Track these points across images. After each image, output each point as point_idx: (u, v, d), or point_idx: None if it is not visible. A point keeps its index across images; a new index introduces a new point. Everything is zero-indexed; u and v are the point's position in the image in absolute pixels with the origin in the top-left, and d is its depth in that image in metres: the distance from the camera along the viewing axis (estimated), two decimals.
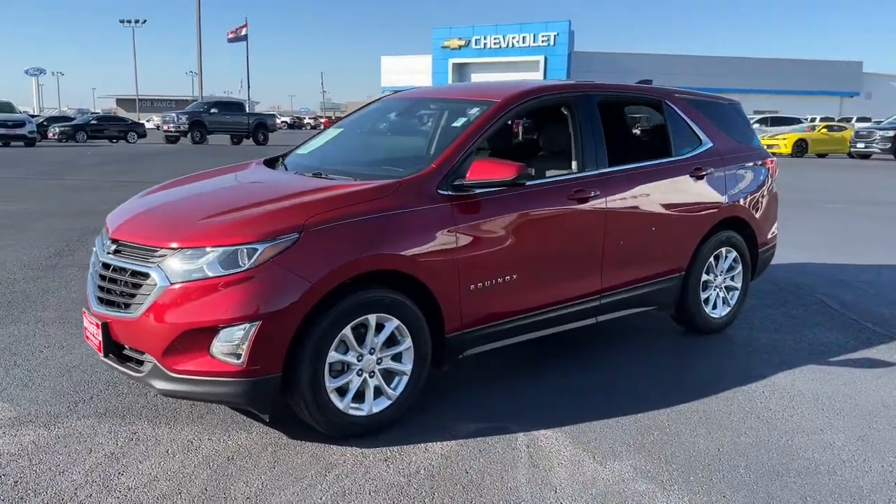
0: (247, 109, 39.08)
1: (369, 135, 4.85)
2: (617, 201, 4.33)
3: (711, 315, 5.09)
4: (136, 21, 69.28)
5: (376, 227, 3.41)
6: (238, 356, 3.12)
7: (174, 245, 3.24)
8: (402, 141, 4.66)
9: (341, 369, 3.42)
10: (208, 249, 3.18)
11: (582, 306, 4.30)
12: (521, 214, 3.92)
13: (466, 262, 3.68)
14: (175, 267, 3.19)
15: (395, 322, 3.49)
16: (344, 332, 3.33)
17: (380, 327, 3.47)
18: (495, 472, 3.19)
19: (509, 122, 5.20)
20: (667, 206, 4.63)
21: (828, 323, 5.48)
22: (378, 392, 3.53)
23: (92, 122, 39.95)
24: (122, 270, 3.38)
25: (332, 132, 4.91)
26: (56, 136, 37.04)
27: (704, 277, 4.99)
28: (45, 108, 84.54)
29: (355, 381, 3.44)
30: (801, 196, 14.18)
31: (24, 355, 4.51)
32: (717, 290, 5.12)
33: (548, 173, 4.44)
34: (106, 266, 3.49)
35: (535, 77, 53.99)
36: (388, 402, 3.55)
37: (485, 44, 56.94)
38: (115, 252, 3.47)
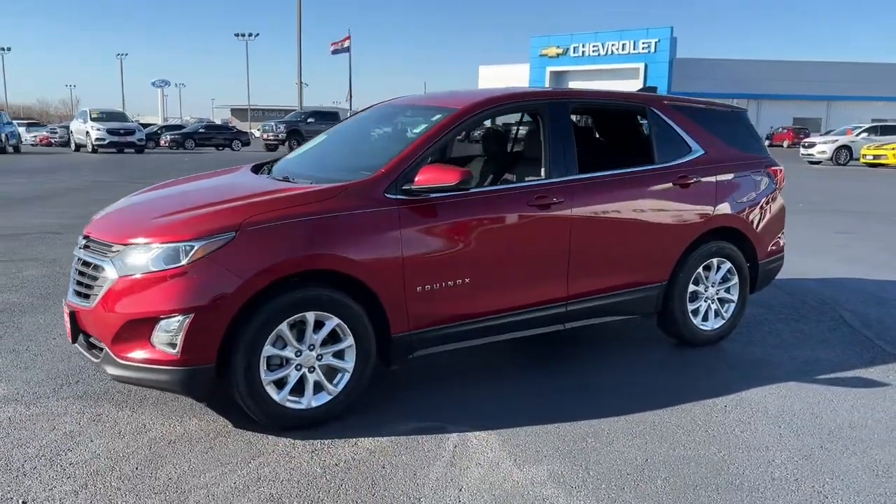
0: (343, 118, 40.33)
1: (349, 140, 5.01)
2: (585, 209, 4.31)
3: (701, 327, 4.96)
4: (250, 35, 72.78)
5: (315, 227, 3.57)
6: (174, 346, 3.34)
7: (126, 241, 3.51)
8: (374, 147, 4.79)
9: (280, 363, 3.59)
10: (153, 246, 3.42)
11: (546, 312, 4.31)
12: (474, 219, 3.98)
13: (413, 264, 3.78)
14: (125, 261, 3.45)
15: (336, 320, 3.63)
16: (280, 327, 3.50)
17: (319, 325, 3.62)
18: (410, 469, 3.28)
19: (501, 129, 5.27)
20: (643, 215, 4.56)
21: (835, 340, 5.22)
22: (319, 387, 3.68)
23: (200, 130, 42.35)
24: (87, 264, 3.68)
25: (321, 137, 5.12)
26: (167, 144, 39.45)
27: (693, 288, 4.87)
28: (168, 117, 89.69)
29: (293, 376, 3.60)
30: (884, 208, 13.39)
31: (37, 341, 4.94)
32: (710, 301, 4.99)
33: (527, 179, 4.49)
34: (78, 260, 3.80)
35: (634, 85, 53.01)
36: (329, 398, 3.69)
37: (583, 51, 56.34)
38: (85, 247, 3.78)
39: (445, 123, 4.08)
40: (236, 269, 3.37)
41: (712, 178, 4.85)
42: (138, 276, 3.40)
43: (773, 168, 5.27)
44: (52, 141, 41.19)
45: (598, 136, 5.10)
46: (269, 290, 3.46)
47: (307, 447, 3.48)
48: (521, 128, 5.47)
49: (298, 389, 3.64)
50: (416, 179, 3.79)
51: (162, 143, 39.75)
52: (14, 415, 3.79)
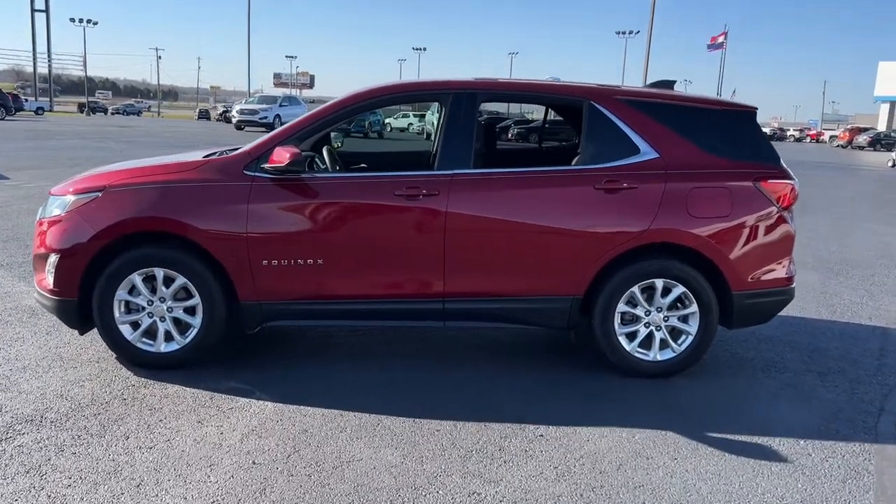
0: None
1: None
2: (467, 205, 4.10)
3: (638, 356, 4.30)
4: (630, 32, 73.16)
5: (162, 193, 4.07)
6: (52, 279, 4.15)
7: (50, 192, 4.41)
8: None
9: (137, 309, 4.18)
10: (58, 197, 4.26)
11: (420, 306, 4.22)
12: (330, 203, 4.11)
13: (258, 238, 4.06)
14: (45, 207, 4.35)
15: (183, 279, 4.11)
16: (132, 277, 4.09)
17: (170, 281, 4.13)
18: (175, 413, 3.66)
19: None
20: (543, 218, 4.12)
21: (814, 400, 4.11)
22: (170, 336, 4.19)
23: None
24: None
25: None
26: (513, 137, 42.11)
27: (626, 309, 4.25)
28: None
29: (146, 321, 4.17)
30: None
31: None
32: (654, 328, 4.29)
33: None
34: None
35: None
36: (177, 347, 4.19)
37: None
38: None
39: (322, 111, 4.27)
40: (92, 223, 4.05)
41: (659, 186, 4.15)
42: (47, 218, 4.26)
43: (769, 182, 4.25)
44: None
45: (526, 131, 4.66)
46: (123, 244, 4.07)
47: (129, 382, 4.05)
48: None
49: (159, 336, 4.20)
50: (269, 159, 4.06)
51: (509, 136, 42.47)
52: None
